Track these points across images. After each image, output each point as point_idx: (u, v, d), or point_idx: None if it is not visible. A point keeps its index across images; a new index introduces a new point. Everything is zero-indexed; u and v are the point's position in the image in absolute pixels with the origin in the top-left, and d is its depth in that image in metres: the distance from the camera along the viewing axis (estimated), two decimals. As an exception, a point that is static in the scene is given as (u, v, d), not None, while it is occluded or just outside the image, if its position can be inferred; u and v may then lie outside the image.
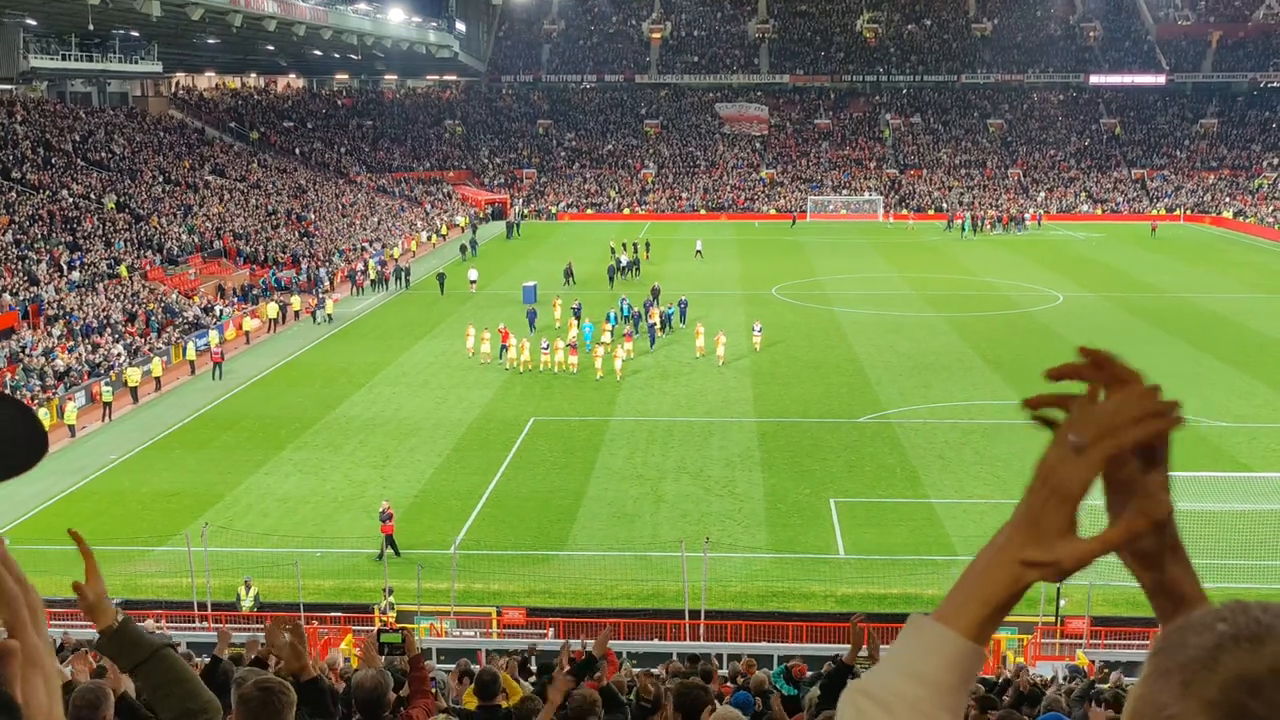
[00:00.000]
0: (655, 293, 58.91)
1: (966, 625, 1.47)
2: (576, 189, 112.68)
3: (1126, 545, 1.49)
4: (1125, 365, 1.50)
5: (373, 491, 33.40)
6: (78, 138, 77.07)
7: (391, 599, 25.47)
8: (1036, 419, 1.51)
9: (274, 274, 65.95)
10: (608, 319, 52.72)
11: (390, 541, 28.70)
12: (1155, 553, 1.52)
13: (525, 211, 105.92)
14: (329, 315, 58.26)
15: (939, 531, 30.08)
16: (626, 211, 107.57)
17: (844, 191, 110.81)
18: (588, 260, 77.35)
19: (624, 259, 72.41)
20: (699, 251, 79.44)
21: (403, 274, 69.08)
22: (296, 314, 58.06)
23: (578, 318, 53.20)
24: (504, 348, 47.93)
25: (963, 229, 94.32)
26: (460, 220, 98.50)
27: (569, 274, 68.55)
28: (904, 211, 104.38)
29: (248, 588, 26.01)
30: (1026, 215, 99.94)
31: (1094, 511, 1.53)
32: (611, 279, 68.12)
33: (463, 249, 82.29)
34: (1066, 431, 1.46)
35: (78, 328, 48.57)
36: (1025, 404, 1.52)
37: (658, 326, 53.18)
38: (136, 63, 77.93)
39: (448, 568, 26.78)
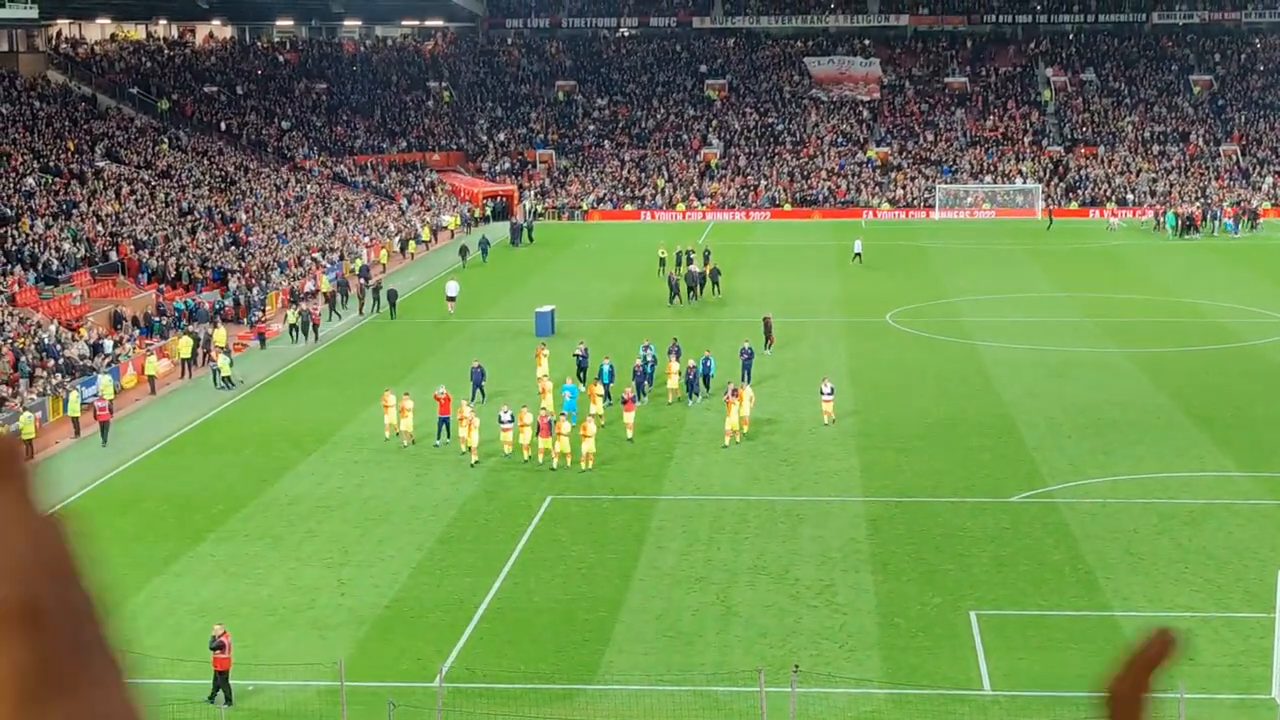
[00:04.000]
0: (767, 327, 58.12)
1: None
2: (610, 177, 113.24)
3: None
4: None
5: (326, 600, 33.44)
6: (-78, 110, 78.64)
7: (352, 751, 25.51)
8: None
9: (192, 299, 66.57)
10: (599, 376, 49.10)
11: (221, 681, 28.45)
12: None
13: (540, 209, 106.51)
14: (227, 378, 54.37)
15: (1127, 658, 29.78)
16: (681, 207, 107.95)
17: (987, 178, 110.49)
18: (628, 278, 77.57)
19: (695, 270, 72.99)
20: (858, 255, 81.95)
21: (375, 293, 69.77)
22: (225, 353, 58.34)
23: (582, 370, 51.65)
24: (443, 422, 45.46)
25: (1173, 227, 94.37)
26: (448, 221, 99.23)
27: (675, 288, 70.44)
28: (1112, 205, 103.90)
29: (151, 735, 26.17)
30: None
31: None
32: (693, 292, 70.21)
33: (463, 251, 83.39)
34: None
35: (-80, 372, 49.22)
36: None
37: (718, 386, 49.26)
38: (3, 6, 79.33)
39: (430, 707, 26.78)
